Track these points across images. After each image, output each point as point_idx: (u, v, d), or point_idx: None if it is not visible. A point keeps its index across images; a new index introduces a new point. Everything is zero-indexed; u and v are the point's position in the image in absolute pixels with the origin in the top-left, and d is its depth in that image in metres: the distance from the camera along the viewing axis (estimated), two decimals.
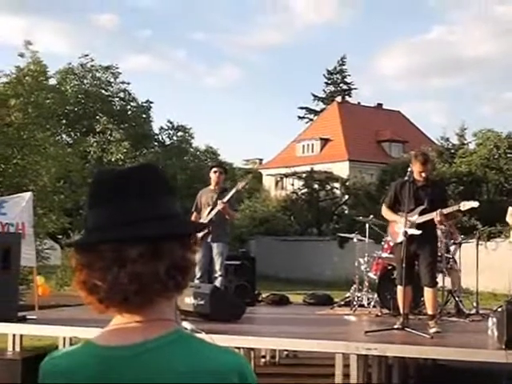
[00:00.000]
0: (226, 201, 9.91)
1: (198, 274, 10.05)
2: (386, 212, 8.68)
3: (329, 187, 38.66)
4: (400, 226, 8.29)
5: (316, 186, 38.31)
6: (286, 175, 45.16)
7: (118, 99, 31.29)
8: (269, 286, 18.27)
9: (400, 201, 8.37)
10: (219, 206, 9.87)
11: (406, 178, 8.40)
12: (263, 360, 10.90)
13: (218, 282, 9.89)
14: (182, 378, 1.50)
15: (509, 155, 33.16)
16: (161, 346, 1.54)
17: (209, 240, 9.98)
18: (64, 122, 29.50)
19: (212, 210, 9.98)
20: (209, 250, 10.04)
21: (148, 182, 1.64)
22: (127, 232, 1.55)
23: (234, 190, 10.00)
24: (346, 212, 35.62)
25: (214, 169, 10.42)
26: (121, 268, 1.53)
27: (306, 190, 38.43)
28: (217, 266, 10.04)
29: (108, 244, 1.55)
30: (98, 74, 30.89)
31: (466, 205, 8.43)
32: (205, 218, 9.98)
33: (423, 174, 8.40)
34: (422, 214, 8.33)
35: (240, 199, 37.65)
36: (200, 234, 9.75)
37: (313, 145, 55.45)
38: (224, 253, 10.12)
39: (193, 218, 10.21)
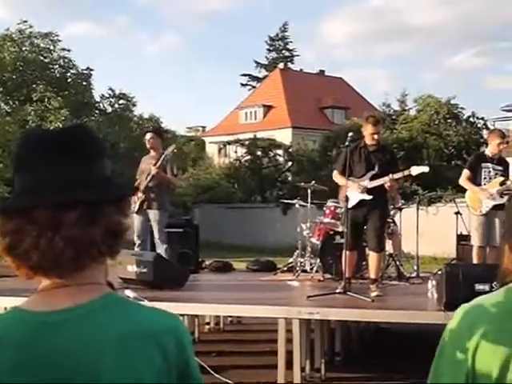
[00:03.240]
0: (158, 166, 9.80)
1: (138, 242, 9.98)
2: (337, 177, 8.67)
3: (272, 154, 38.67)
4: (351, 192, 8.32)
5: (259, 153, 38.29)
6: (229, 143, 45.01)
7: (57, 66, 30.70)
8: (213, 254, 18.26)
9: (350, 166, 8.36)
10: (153, 171, 9.78)
11: (347, 143, 8.41)
12: (207, 327, 10.94)
13: (160, 249, 9.83)
14: (114, 343, 1.48)
15: (448, 121, 33.62)
16: (92, 310, 1.51)
17: (144, 207, 9.90)
18: (1, 89, 28.90)
19: (150, 179, 9.88)
20: (146, 217, 9.95)
21: (81, 143, 1.58)
22: (64, 196, 1.50)
23: (162, 157, 9.88)
24: (290, 179, 35.73)
25: (147, 134, 10.26)
26: (55, 233, 1.48)
27: (249, 157, 38.39)
28: (156, 234, 9.95)
29: (42, 208, 1.49)
30: (36, 41, 30.23)
31: (416, 169, 8.48)
32: (144, 183, 9.87)
33: (375, 136, 8.42)
34: (372, 179, 8.37)
35: (183, 167, 37.53)
36: (137, 201, 9.71)
37: (256, 112, 55.40)
38: (162, 220, 9.98)
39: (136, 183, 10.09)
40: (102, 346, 1.47)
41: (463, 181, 9.64)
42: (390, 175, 8.17)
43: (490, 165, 9.39)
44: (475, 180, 9.46)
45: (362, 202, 8.30)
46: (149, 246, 10.13)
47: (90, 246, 1.51)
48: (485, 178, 9.41)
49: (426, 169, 8.57)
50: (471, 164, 9.69)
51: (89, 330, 1.48)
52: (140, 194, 9.81)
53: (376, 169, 8.36)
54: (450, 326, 1.75)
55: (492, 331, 1.64)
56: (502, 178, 9.33)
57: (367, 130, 8.47)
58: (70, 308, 1.50)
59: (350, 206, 8.30)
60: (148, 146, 10.15)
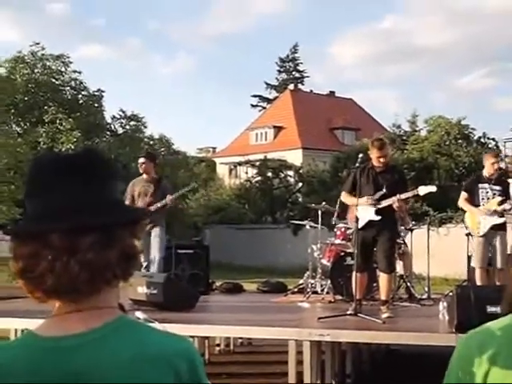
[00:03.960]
0: (175, 198, 10.17)
1: (145, 264, 10.08)
2: (345, 198, 8.68)
3: (282, 175, 38.71)
4: (360, 212, 8.31)
5: (270, 174, 38.33)
6: (240, 163, 45.08)
7: (69, 88, 30.87)
8: (223, 275, 18.25)
9: (359, 187, 8.37)
10: (168, 202, 9.99)
11: (358, 165, 8.42)
12: (218, 348, 10.91)
13: (156, 266, 9.95)
14: (128, 366, 1.48)
15: (459, 141, 33.57)
16: (105, 334, 1.51)
17: (148, 228, 9.99)
18: (14, 111, 29.04)
19: (152, 201, 10.01)
20: (149, 238, 10.08)
21: (94, 166, 1.59)
22: (80, 220, 1.50)
23: (183, 190, 10.54)
24: (300, 199, 35.71)
25: (140, 159, 10.39)
26: (71, 257, 1.48)
27: (259, 178, 38.43)
28: (155, 249, 10.07)
29: (57, 232, 1.49)
30: (48, 63, 30.40)
31: (424, 189, 8.49)
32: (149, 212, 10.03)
33: (381, 160, 8.43)
34: (381, 199, 8.37)
35: (195, 188, 37.58)
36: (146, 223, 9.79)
37: (266, 133, 55.49)
38: (162, 235, 10.16)
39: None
40: (115, 369, 1.48)
41: (461, 202, 9.66)
42: (398, 195, 8.16)
43: (487, 185, 9.40)
44: (473, 201, 9.46)
45: (370, 223, 8.29)
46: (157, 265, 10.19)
47: (105, 270, 1.52)
48: (483, 199, 9.41)
49: (433, 188, 8.57)
50: (468, 185, 9.72)
51: (102, 354, 1.49)
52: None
53: (384, 189, 8.35)
54: (458, 351, 1.75)
55: (502, 356, 1.64)
56: (499, 198, 9.31)
57: (373, 154, 8.48)
58: (83, 333, 1.51)
59: (359, 226, 8.28)
60: (141, 170, 10.30)
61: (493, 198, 9.34)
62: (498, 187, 9.38)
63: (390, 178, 8.45)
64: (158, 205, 9.94)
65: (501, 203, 9.25)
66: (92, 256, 1.50)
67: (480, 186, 9.44)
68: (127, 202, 10.15)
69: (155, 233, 10.07)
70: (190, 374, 1.55)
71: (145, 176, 10.28)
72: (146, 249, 10.05)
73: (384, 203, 8.29)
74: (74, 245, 1.49)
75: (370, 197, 8.31)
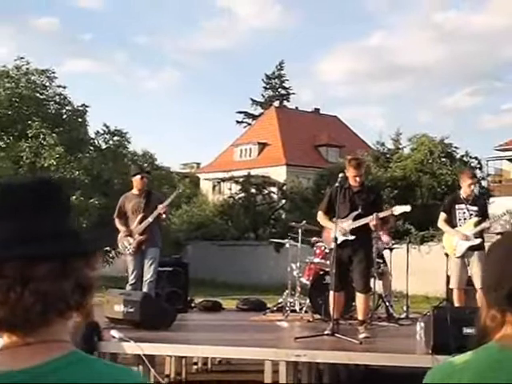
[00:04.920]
0: (166, 205, 9.92)
1: (133, 281, 9.92)
2: (321, 218, 8.71)
3: (266, 192, 38.75)
4: (334, 232, 8.31)
5: (253, 191, 38.35)
6: (224, 179, 45.13)
7: (53, 103, 30.76)
8: (205, 292, 18.20)
9: (335, 206, 8.38)
10: (161, 210, 9.81)
11: (337, 184, 8.44)
12: (195, 367, 10.84)
13: (146, 288, 9.77)
14: None
15: (442, 160, 33.69)
16: (56, 369, 1.47)
17: (143, 247, 9.89)
18: None
19: (145, 216, 9.88)
20: (142, 256, 9.94)
21: (49, 196, 1.56)
22: (34, 249, 1.47)
23: (174, 195, 10.31)
24: (283, 216, 35.71)
25: (140, 175, 10.19)
26: (25, 287, 1.44)
27: (243, 194, 38.43)
28: (149, 272, 9.88)
29: (11, 262, 1.45)
30: (33, 78, 30.29)
31: (399, 209, 8.53)
32: (137, 224, 9.87)
33: (357, 179, 8.45)
34: (356, 219, 8.38)
35: (177, 204, 37.48)
36: (132, 242, 9.72)
37: (250, 149, 55.56)
38: (157, 257, 10.00)
39: (116, 223, 10.11)
40: None
41: (440, 223, 9.71)
42: (374, 214, 8.16)
43: (463, 206, 9.43)
44: (451, 222, 9.48)
45: (345, 242, 8.29)
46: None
47: (59, 301, 1.49)
48: (460, 220, 9.45)
49: (407, 208, 8.59)
50: (446, 206, 9.76)
51: None
52: (136, 236, 9.82)
53: (360, 209, 8.36)
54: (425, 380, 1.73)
55: None
56: (476, 219, 9.33)
57: (350, 173, 8.51)
58: (33, 367, 1.46)
59: (333, 246, 8.27)
60: (139, 186, 10.09)
61: (470, 218, 9.36)
62: (474, 207, 9.41)
63: (365, 198, 8.47)
64: (150, 219, 9.83)
65: (478, 223, 9.28)
66: (46, 286, 1.46)
67: (457, 206, 9.47)
68: (117, 216, 10.07)
69: (150, 254, 9.90)
70: None
71: (136, 191, 10.15)
72: (136, 268, 9.95)
73: (358, 223, 8.30)
74: (27, 275, 1.45)
75: (342, 225, 8.31)
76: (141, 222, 9.88)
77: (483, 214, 9.46)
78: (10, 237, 1.49)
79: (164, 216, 10.00)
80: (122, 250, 10.05)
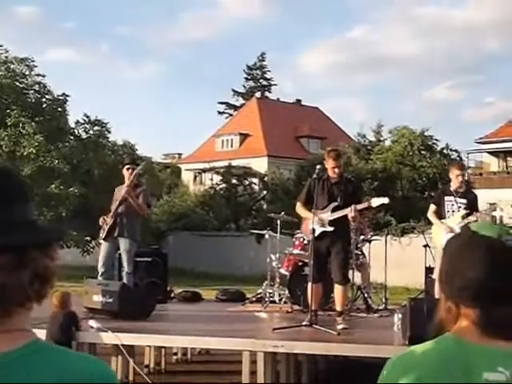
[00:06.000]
0: (129, 184, 9.82)
1: (101, 270, 9.86)
2: (299, 209, 8.71)
3: (247, 182, 38.79)
4: (313, 224, 8.32)
5: (234, 182, 38.37)
6: (205, 170, 45.15)
7: (32, 92, 30.54)
8: (185, 282, 18.20)
9: (314, 197, 8.39)
10: (124, 192, 9.77)
11: (315, 176, 8.44)
12: (175, 357, 10.85)
13: (125, 279, 9.75)
14: None
15: (422, 152, 33.87)
16: (19, 358, 1.46)
17: (115, 234, 9.84)
18: None
19: (120, 204, 9.85)
20: (114, 245, 9.91)
21: (4, 188, 1.55)
22: None
23: (134, 173, 9.94)
24: (265, 207, 35.78)
25: (127, 166, 10.19)
26: None
27: (224, 185, 38.45)
28: (124, 263, 9.86)
29: None
30: (12, 66, 30.07)
31: (376, 201, 8.54)
32: (112, 212, 9.86)
33: (336, 170, 8.45)
34: (334, 210, 8.39)
35: (158, 194, 37.43)
36: (105, 227, 9.70)
37: (232, 140, 55.52)
38: (131, 250, 9.91)
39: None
40: None
41: (430, 214, 9.77)
42: (352, 206, 8.18)
43: (452, 198, 9.48)
44: (440, 214, 9.54)
45: (324, 234, 8.30)
46: (116, 274, 10.08)
47: (16, 292, 1.48)
48: (448, 212, 9.49)
49: (385, 200, 8.61)
50: (435, 198, 9.86)
51: (16, 378, 1.44)
52: (109, 220, 9.79)
53: (338, 200, 8.38)
54: (384, 375, 1.74)
55: (424, 380, 1.64)
56: (463, 212, 9.37)
57: (329, 164, 8.51)
58: None
59: (311, 237, 8.28)
60: (127, 177, 10.03)
61: (458, 210, 9.40)
62: (463, 200, 9.44)
63: (344, 189, 8.48)
64: (117, 203, 9.80)
65: (465, 216, 9.31)
66: (3, 278, 1.46)
67: (446, 198, 9.52)
68: (113, 208, 10.01)
69: (123, 245, 9.85)
70: None
71: (126, 183, 10.09)
72: (106, 255, 9.91)
73: (337, 214, 8.31)
74: None
75: (321, 216, 8.32)
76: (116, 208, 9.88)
77: (472, 208, 9.49)
78: None
79: (140, 211, 9.89)
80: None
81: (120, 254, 10.00)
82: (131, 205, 9.79)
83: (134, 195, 9.84)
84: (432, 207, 9.73)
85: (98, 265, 9.93)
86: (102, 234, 9.86)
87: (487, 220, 9.54)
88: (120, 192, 10.01)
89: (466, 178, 36.16)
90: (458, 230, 8.80)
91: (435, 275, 9.59)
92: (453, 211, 9.47)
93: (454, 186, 9.57)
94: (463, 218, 9.31)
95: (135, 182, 10.12)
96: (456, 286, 1.72)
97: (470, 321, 1.71)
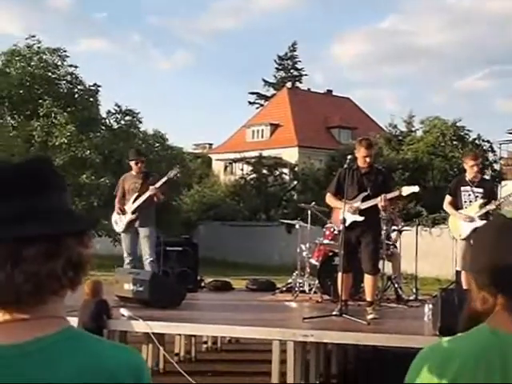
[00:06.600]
0: (159, 187, 9.92)
1: (127, 260, 10.08)
2: (329, 199, 8.69)
3: (277, 173, 38.76)
4: (344, 213, 8.29)
5: (265, 172, 38.35)
6: (235, 160, 45.16)
7: (64, 82, 30.75)
8: (216, 272, 18.25)
9: (344, 188, 8.36)
10: (151, 192, 9.86)
11: (346, 166, 8.41)
12: (205, 346, 10.91)
13: (148, 267, 9.87)
14: (73, 377, 1.45)
15: (454, 142, 33.59)
16: (51, 344, 1.48)
17: (136, 225, 9.99)
18: (8, 104, 28.93)
19: (139, 196, 9.96)
20: (136, 235, 10.05)
21: (41, 176, 1.57)
22: (24, 230, 1.48)
23: (165, 178, 10.04)
24: (295, 198, 35.73)
25: (134, 161, 10.27)
26: (15, 267, 1.46)
27: (254, 175, 38.44)
28: (145, 250, 10.01)
29: (2, 242, 1.47)
30: (45, 57, 30.25)
31: (407, 190, 8.48)
32: (131, 203, 9.99)
33: (367, 159, 8.41)
34: (364, 200, 8.36)
35: (189, 184, 37.55)
36: (124, 220, 9.85)
37: (263, 130, 55.42)
38: (151, 236, 10.08)
39: (116, 201, 10.23)
40: (61, 380, 1.45)
41: (446, 206, 9.66)
42: (383, 195, 8.13)
43: (469, 188, 9.35)
44: (457, 204, 9.43)
45: (354, 224, 8.27)
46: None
47: (50, 280, 1.50)
48: (465, 202, 9.37)
49: (416, 189, 8.55)
50: (451, 189, 9.69)
51: (48, 364, 1.46)
52: (128, 214, 9.93)
53: (368, 190, 8.34)
54: (417, 369, 1.71)
55: (464, 377, 1.62)
56: (481, 201, 9.27)
57: (360, 153, 8.46)
58: (28, 342, 1.48)
59: (342, 227, 8.26)
60: (135, 169, 10.18)
61: (475, 200, 9.30)
62: (479, 189, 9.33)
63: (374, 180, 8.43)
64: (141, 199, 9.91)
65: (483, 205, 9.21)
66: (37, 267, 1.47)
67: (462, 189, 9.40)
68: (117, 196, 10.18)
69: (143, 233, 10.01)
70: None
71: (134, 172, 10.25)
72: (131, 245, 10.07)
73: (367, 204, 8.28)
74: (18, 255, 1.46)
75: (353, 204, 8.29)
76: (135, 201, 9.97)
77: (489, 196, 9.39)
78: (4, 217, 1.49)
79: (156, 199, 9.99)
80: (113, 226, 10.22)
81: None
82: (150, 197, 9.91)
83: (160, 192, 9.97)
84: (448, 198, 9.62)
85: (124, 255, 10.09)
86: (121, 227, 10.02)
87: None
88: (131, 182, 10.17)
89: (498, 168, 35.91)
90: (477, 220, 8.73)
91: (458, 267, 9.52)
92: (470, 201, 9.35)
93: (469, 176, 9.44)
94: (481, 207, 9.20)
95: (145, 171, 10.28)
96: (495, 275, 1.68)
97: (508, 311, 1.68)
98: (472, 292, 1.74)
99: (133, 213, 9.95)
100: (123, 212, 10.02)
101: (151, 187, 9.87)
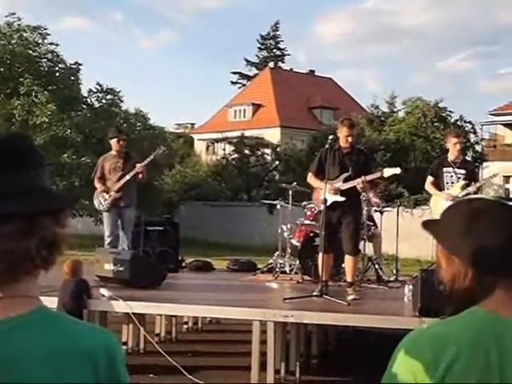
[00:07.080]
0: (145, 164, 9.92)
1: (108, 240, 10.02)
2: (310, 179, 8.67)
3: (259, 153, 38.72)
4: (325, 194, 8.28)
5: (247, 152, 38.31)
6: (217, 140, 45.06)
7: (45, 60, 30.42)
8: (197, 252, 18.23)
9: (325, 168, 8.35)
10: (138, 169, 9.83)
11: (327, 146, 8.38)
12: (185, 326, 10.92)
13: (124, 244, 9.93)
14: (45, 357, 1.45)
15: (436, 124, 33.67)
16: (23, 323, 1.47)
17: (121, 205, 9.96)
18: None
19: (123, 175, 9.90)
20: (116, 214, 10.02)
21: (17, 153, 1.54)
22: (3, 207, 1.46)
23: (152, 156, 10.10)
24: (277, 178, 35.73)
25: (116, 138, 10.18)
26: None
27: (236, 155, 38.39)
28: (127, 232, 10.04)
29: None
30: (25, 35, 29.92)
31: (388, 171, 8.46)
32: (115, 183, 9.93)
33: (349, 139, 8.39)
34: (346, 181, 8.34)
35: (171, 164, 37.43)
36: (108, 199, 9.80)
37: (245, 110, 55.34)
38: (133, 217, 10.20)
39: (95, 182, 10.18)
40: (32, 359, 1.44)
41: (427, 186, 9.68)
42: (363, 177, 8.12)
43: (451, 169, 9.36)
44: (439, 185, 9.44)
45: (335, 204, 8.27)
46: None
47: (24, 259, 1.48)
48: (447, 183, 9.39)
49: (397, 170, 8.54)
50: (433, 169, 9.69)
51: (19, 343, 1.45)
52: (112, 193, 9.88)
53: (350, 171, 8.33)
54: (406, 350, 1.64)
55: (459, 363, 1.58)
56: (463, 182, 9.28)
57: (342, 133, 8.45)
58: (0, 320, 1.46)
59: (322, 207, 8.24)
60: (117, 148, 10.11)
61: (457, 181, 9.32)
62: (462, 171, 9.35)
63: (355, 160, 8.42)
64: (127, 177, 9.87)
65: (465, 187, 9.23)
66: (11, 245, 1.46)
67: (444, 170, 9.41)
68: (96, 176, 10.11)
69: (126, 214, 10.01)
70: (108, 371, 1.52)
71: (114, 152, 10.18)
72: (112, 224, 10.03)
73: (348, 184, 8.27)
74: None
75: (334, 185, 8.28)
76: (119, 180, 9.93)
77: (470, 178, 9.40)
78: None
79: (141, 176, 9.96)
80: (96, 205, 10.16)
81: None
82: (135, 175, 9.88)
83: (145, 169, 9.94)
84: (429, 178, 9.63)
85: (106, 234, 10.03)
86: (104, 206, 9.97)
87: (499, 191, 9.46)
88: (111, 162, 10.10)
89: (479, 149, 36.05)
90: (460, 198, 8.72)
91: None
92: (452, 182, 9.36)
93: (451, 156, 9.44)
94: (463, 188, 9.22)
95: (126, 151, 10.23)
96: (493, 257, 1.65)
97: (505, 292, 1.65)
98: (460, 273, 1.69)
99: (117, 191, 9.89)
100: (107, 191, 9.96)
101: (138, 165, 9.84)
